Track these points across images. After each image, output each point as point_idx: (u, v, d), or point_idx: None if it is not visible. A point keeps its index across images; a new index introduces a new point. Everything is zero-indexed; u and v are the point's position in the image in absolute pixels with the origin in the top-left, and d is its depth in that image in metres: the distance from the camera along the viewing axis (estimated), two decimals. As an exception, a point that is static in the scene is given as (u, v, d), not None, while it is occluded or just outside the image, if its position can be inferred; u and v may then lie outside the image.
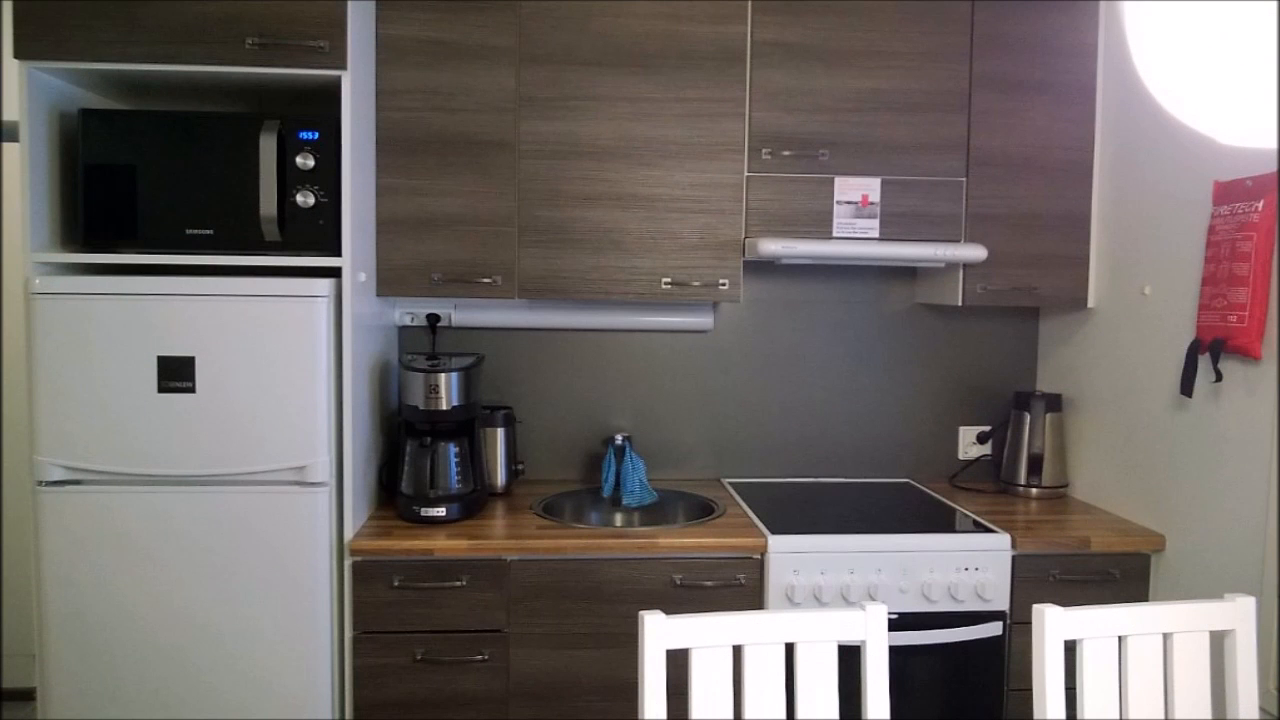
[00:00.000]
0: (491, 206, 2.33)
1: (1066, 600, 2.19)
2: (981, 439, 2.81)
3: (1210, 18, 0.87)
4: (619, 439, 2.58)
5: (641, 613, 1.30)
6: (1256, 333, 1.90)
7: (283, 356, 2.01)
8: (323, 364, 2.03)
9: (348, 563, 2.09)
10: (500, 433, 2.53)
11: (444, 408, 2.29)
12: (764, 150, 2.37)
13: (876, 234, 2.40)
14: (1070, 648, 1.39)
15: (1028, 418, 2.60)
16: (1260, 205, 1.90)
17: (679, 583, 2.14)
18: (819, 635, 1.36)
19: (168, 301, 2.00)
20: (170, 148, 2.05)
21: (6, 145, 3.08)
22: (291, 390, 2.02)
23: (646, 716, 1.28)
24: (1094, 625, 1.39)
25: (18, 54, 1.97)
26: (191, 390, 2.01)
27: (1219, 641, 1.47)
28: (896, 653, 2.15)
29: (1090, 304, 2.49)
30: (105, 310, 1.99)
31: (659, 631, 1.30)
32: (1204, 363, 2.06)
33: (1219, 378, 2.01)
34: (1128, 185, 2.34)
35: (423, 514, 2.22)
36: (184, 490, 2.02)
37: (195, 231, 2.07)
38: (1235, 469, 1.98)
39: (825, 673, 1.36)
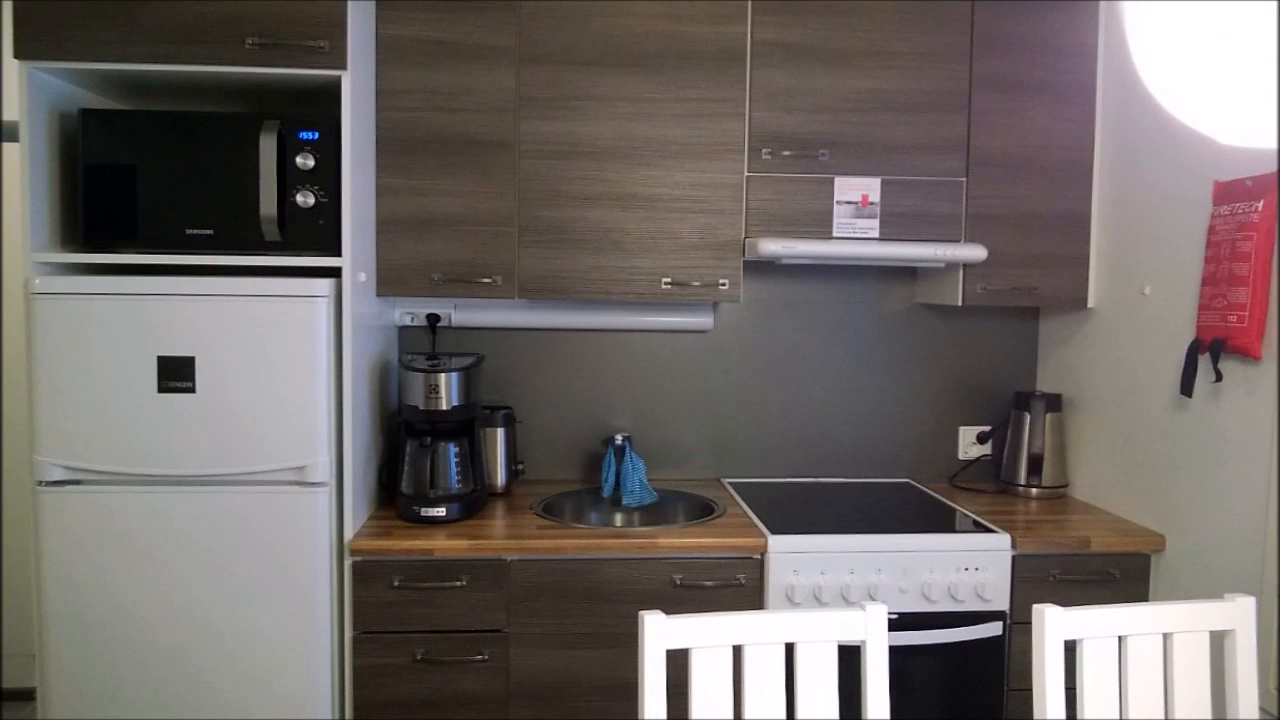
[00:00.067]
0: (491, 206, 2.33)
1: (1066, 600, 2.19)
2: (981, 439, 2.81)
3: (1210, 18, 0.87)
4: (619, 439, 2.58)
5: (641, 613, 1.30)
6: (1256, 333, 1.90)
7: (283, 356, 2.01)
8: (323, 364, 2.03)
9: (348, 563, 2.09)
10: (500, 433, 2.53)
11: (444, 408, 2.29)
12: (764, 150, 2.37)
13: (876, 234, 2.40)
14: (1070, 648, 1.39)
15: (1028, 418, 2.60)
16: (1260, 205, 1.90)
17: (679, 583, 2.14)
18: (819, 635, 1.36)
19: (168, 301, 2.00)
20: (170, 148, 2.05)
21: (6, 145, 3.08)
22: (291, 390, 2.02)
23: (646, 716, 1.28)
24: (1094, 625, 1.39)
25: (18, 54, 1.97)
26: (191, 390, 2.01)
27: (1219, 641, 1.47)
28: (896, 653, 2.15)
29: (1090, 304, 2.49)
30: (105, 310, 1.99)
31: (659, 631, 1.30)
32: (1204, 363, 2.06)
33: (1219, 378, 2.01)
34: (1128, 185, 2.34)
35: (423, 514, 2.22)
36: (184, 490, 2.02)
37: (195, 231, 2.07)
38: (1235, 469, 1.98)
39: (825, 673, 1.36)
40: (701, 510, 2.40)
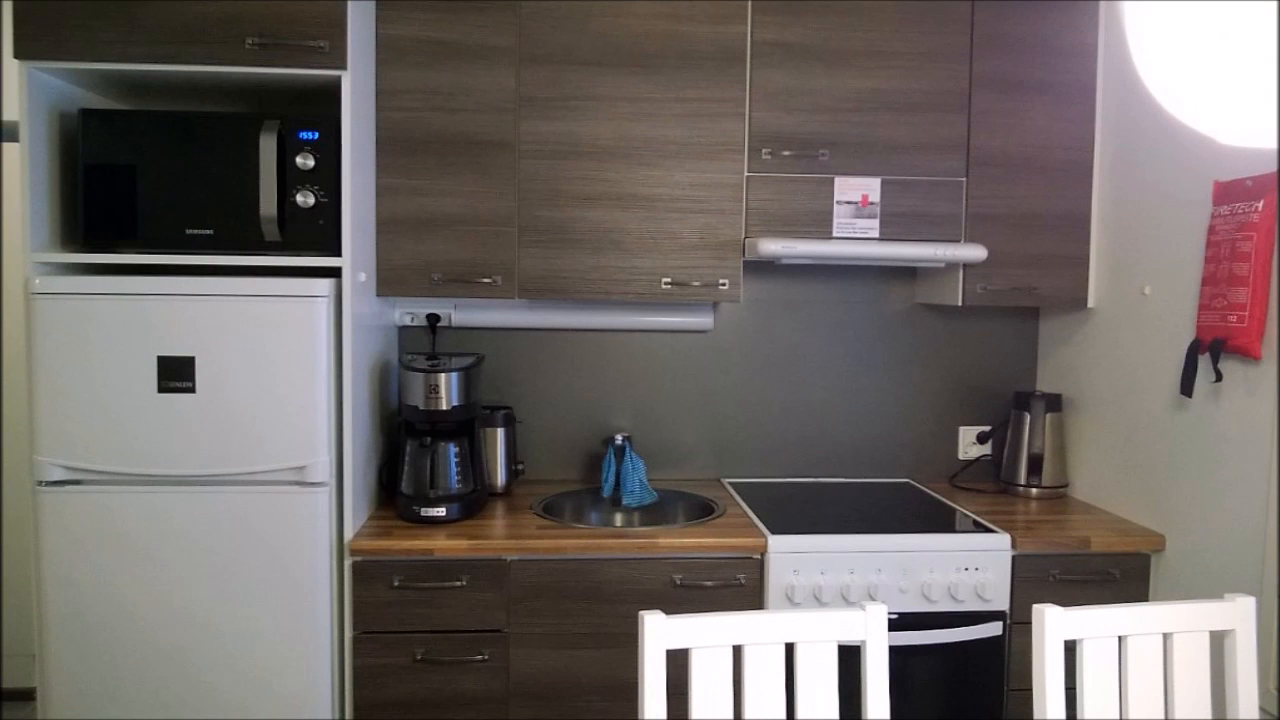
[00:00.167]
0: (491, 206, 2.33)
1: (1066, 600, 2.19)
2: (981, 439, 2.81)
3: (1210, 18, 0.87)
4: (619, 439, 2.59)
5: (641, 613, 1.30)
6: (1256, 333, 1.90)
7: (283, 356, 2.01)
8: (323, 364, 2.03)
9: (348, 563, 2.09)
10: (500, 433, 2.53)
11: (444, 408, 2.28)
12: (764, 150, 2.37)
13: (876, 234, 2.40)
14: (1070, 648, 1.39)
15: (1028, 418, 2.60)
16: (1260, 205, 1.90)
17: (679, 583, 2.14)
18: (819, 635, 1.36)
19: (168, 301, 2.00)
20: (170, 148, 2.05)
21: (6, 145, 3.08)
22: (291, 390, 2.02)
23: (646, 716, 1.28)
24: (1094, 625, 1.39)
25: (18, 54, 1.97)
26: (191, 390, 2.01)
27: (1219, 641, 1.47)
28: (896, 653, 2.15)
29: (1090, 304, 2.49)
30: (105, 310, 1.99)
31: (659, 631, 1.30)
32: (1204, 363, 2.06)
33: (1219, 378, 2.01)
34: (1128, 185, 2.34)
35: (423, 514, 2.22)
36: (184, 490, 2.02)
37: (195, 231, 2.07)
38: (1235, 469, 1.98)
39: (825, 673, 1.36)
40: (701, 510, 2.40)
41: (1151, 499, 2.25)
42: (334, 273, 2.14)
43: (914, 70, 2.39)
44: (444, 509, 2.23)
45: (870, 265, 2.75)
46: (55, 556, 2.01)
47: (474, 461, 2.35)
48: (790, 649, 1.36)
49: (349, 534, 2.10)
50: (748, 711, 1.33)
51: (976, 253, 2.34)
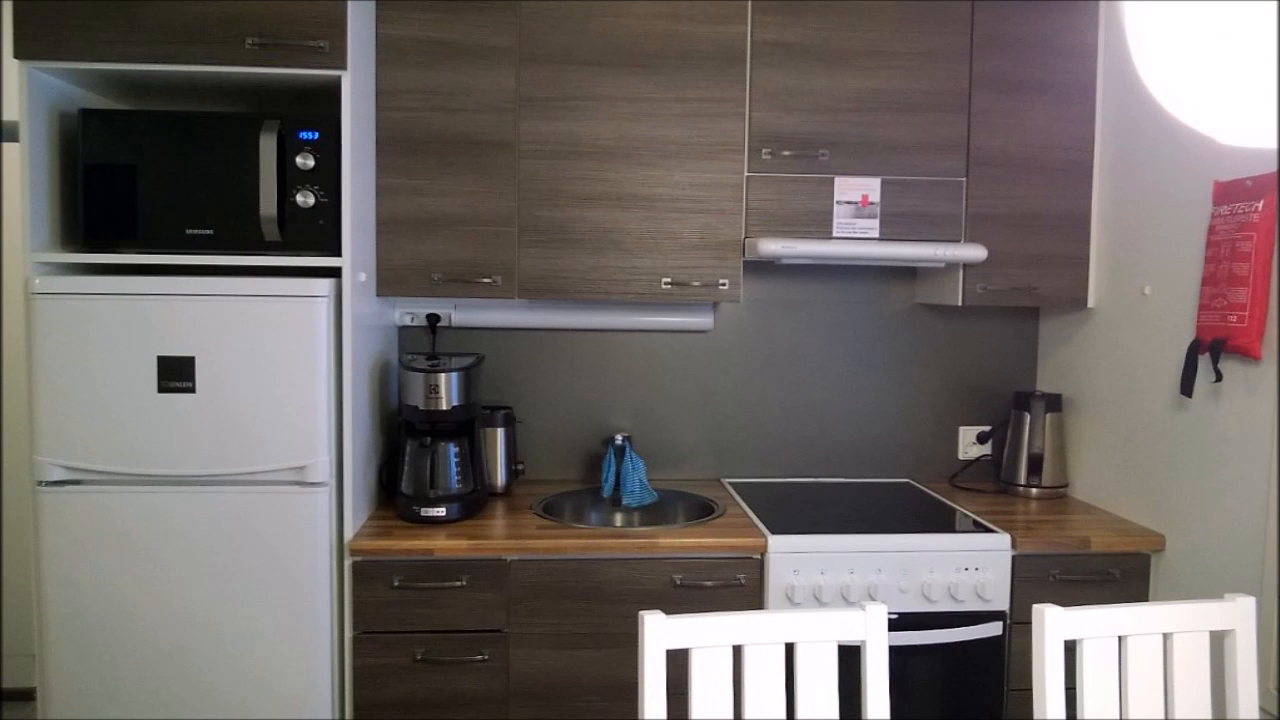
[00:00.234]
0: (491, 206, 2.33)
1: (1066, 600, 2.19)
2: (981, 439, 2.81)
3: (1210, 18, 0.87)
4: (619, 439, 2.59)
5: (641, 613, 1.30)
6: (1256, 333, 1.90)
7: (283, 356, 2.01)
8: (323, 364, 2.03)
9: (348, 563, 2.09)
10: (500, 433, 2.53)
11: (444, 408, 2.28)
12: (764, 150, 2.37)
13: (876, 234, 2.40)
14: (1070, 648, 1.39)
15: (1028, 418, 2.60)
16: (1260, 205, 1.90)
17: (679, 583, 2.14)
18: (819, 635, 1.36)
19: (168, 301, 2.00)
20: (170, 148, 2.05)
21: (6, 145, 3.08)
22: (291, 390, 2.02)
23: (646, 716, 1.28)
24: (1094, 625, 1.39)
25: (18, 54, 1.97)
26: (191, 390, 2.01)
27: (1219, 641, 1.47)
28: (896, 653, 2.15)
29: (1090, 304, 2.49)
30: (105, 310, 1.99)
31: (659, 631, 1.30)
32: (1204, 363, 2.06)
33: (1219, 378, 2.01)
34: (1128, 185, 2.34)
35: (423, 514, 2.22)
36: (184, 490, 2.02)
37: (195, 231, 2.07)
38: (1235, 469, 1.98)
39: (825, 673, 1.36)
40: (701, 510, 2.40)
41: (1151, 499, 2.25)
42: (334, 273, 2.14)
43: (914, 70, 2.39)
44: (444, 509, 2.23)
45: (870, 265, 2.75)
46: (55, 556, 2.01)
47: (474, 461, 2.35)
48: (790, 649, 1.36)
49: (349, 534, 2.10)
50: (748, 711, 1.33)
51: (976, 253, 2.34)
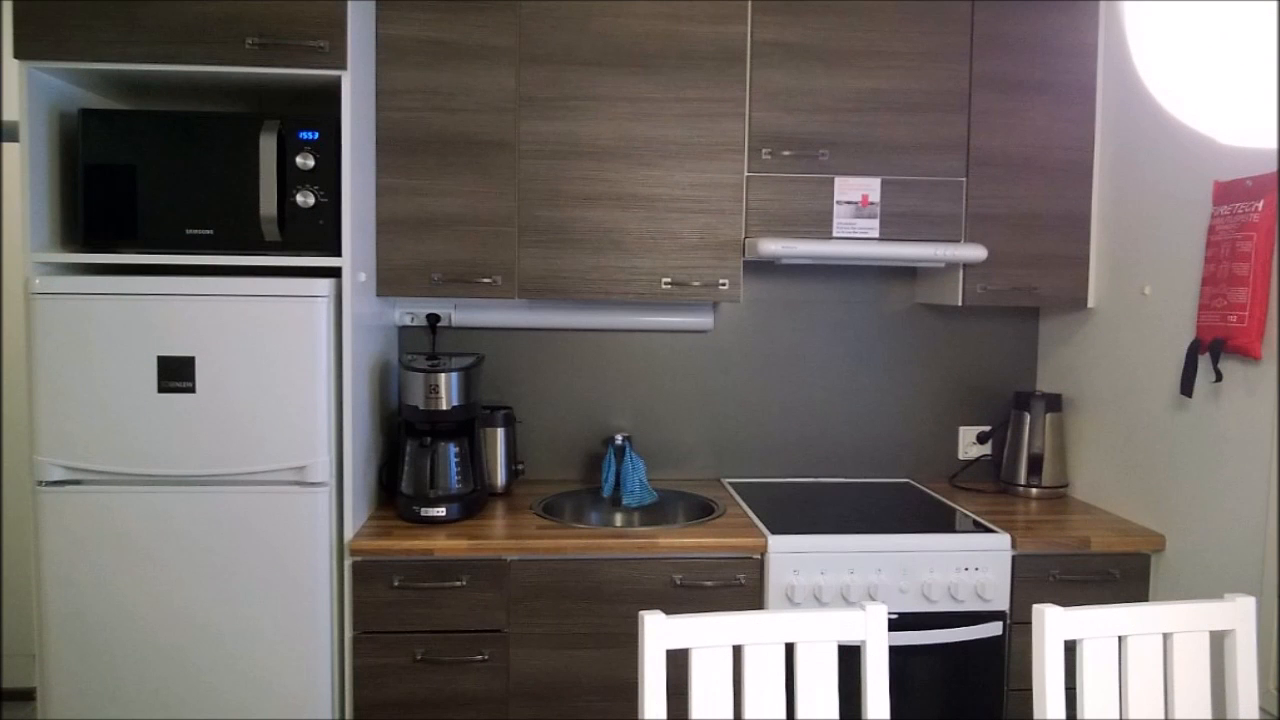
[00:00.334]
0: (491, 206, 2.33)
1: (1066, 600, 2.19)
2: (981, 439, 2.81)
3: (1210, 18, 0.87)
4: (619, 439, 2.58)
5: (641, 613, 1.30)
6: (1256, 333, 1.90)
7: (283, 356, 2.01)
8: (323, 364, 2.03)
9: (348, 563, 2.09)
10: (500, 433, 2.53)
11: (444, 408, 2.28)
12: (764, 150, 2.37)
13: (876, 234, 2.40)
14: (1070, 648, 1.39)
15: (1028, 418, 2.60)
16: (1260, 205, 1.90)
17: (679, 583, 2.14)
18: (819, 635, 1.36)
19: (168, 301, 2.00)
20: (170, 148, 2.05)
21: (6, 145, 3.08)
22: (291, 390, 2.02)
23: (646, 716, 1.28)
24: (1094, 625, 1.39)
25: (18, 54, 1.97)
26: (191, 390, 2.01)
27: (1219, 641, 1.47)
28: (896, 653, 2.15)
29: (1090, 304, 2.49)
30: (105, 310, 1.99)
31: (659, 631, 1.30)
32: (1204, 363, 2.06)
33: (1219, 378, 2.01)
34: (1128, 185, 2.34)
35: (423, 514, 2.22)
36: (184, 490, 2.02)
37: (195, 231, 2.07)
38: (1235, 469, 1.98)
39: (825, 673, 1.36)
40: (701, 510, 2.40)
41: (1151, 499, 2.25)
42: (334, 273, 2.14)
43: (914, 70, 2.39)
44: (444, 509, 2.23)
45: (870, 265, 2.75)
46: (55, 556, 2.01)
47: (474, 461, 2.35)
48: (790, 649, 1.36)
49: (349, 534, 2.10)
50: (748, 711, 1.33)
51: (976, 253, 2.34)
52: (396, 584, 2.09)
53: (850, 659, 1.43)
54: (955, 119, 2.41)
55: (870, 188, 2.40)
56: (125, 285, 1.99)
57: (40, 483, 2.00)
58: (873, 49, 2.38)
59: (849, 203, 2.39)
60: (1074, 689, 1.39)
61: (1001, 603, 2.19)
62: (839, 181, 2.39)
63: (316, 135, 2.07)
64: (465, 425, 2.35)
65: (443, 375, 2.28)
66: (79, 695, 2.03)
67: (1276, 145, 0.90)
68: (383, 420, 2.43)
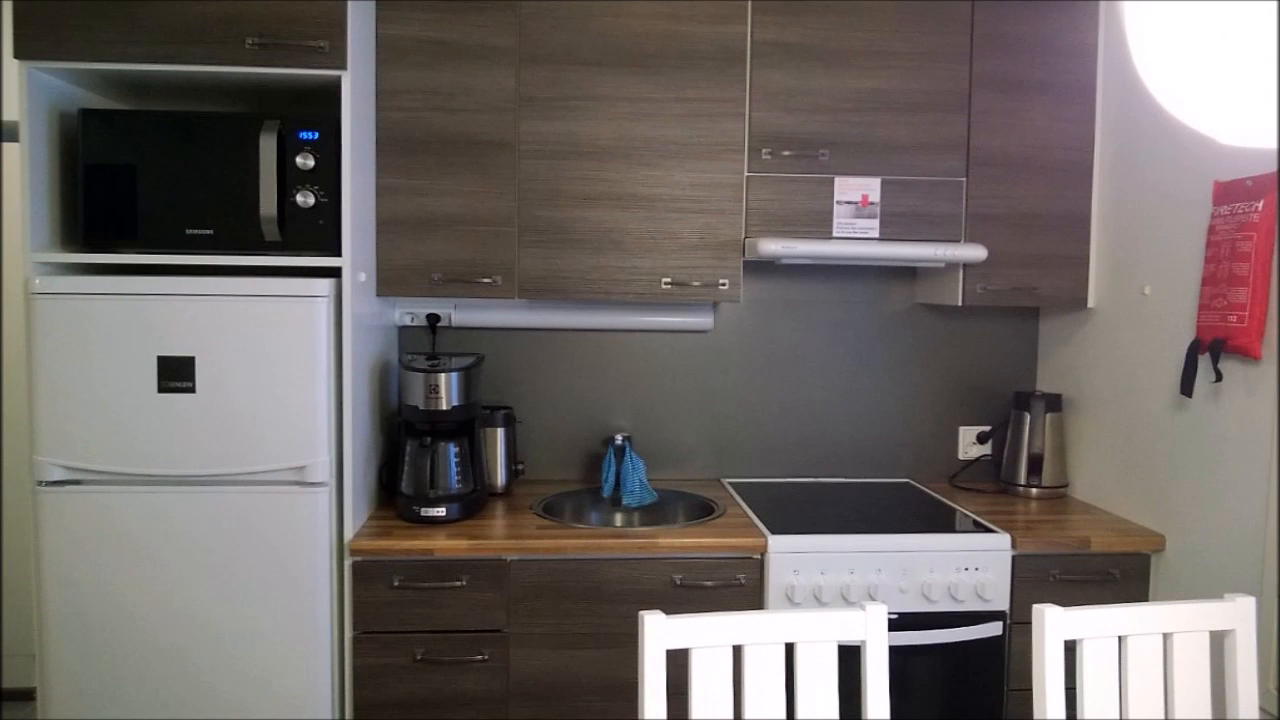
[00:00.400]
0: (491, 206, 2.33)
1: (1066, 600, 2.19)
2: (981, 439, 2.81)
3: (1210, 18, 0.87)
4: (619, 439, 2.58)
5: (641, 613, 1.30)
6: (1256, 333, 1.90)
7: (283, 356, 2.01)
8: (323, 364, 2.03)
9: (348, 563, 2.09)
10: (500, 433, 2.53)
11: (444, 408, 2.28)
12: (764, 150, 2.37)
13: (876, 234, 2.40)
14: (1070, 648, 1.39)
15: (1028, 418, 2.60)
16: (1260, 205, 1.90)
17: (679, 583, 2.14)
18: (819, 635, 1.36)
19: (168, 301, 2.00)
20: (170, 148, 2.05)
21: (6, 145, 3.08)
22: (291, 390, 2.02)
23: (646, 716, 1.28)
24: (1094, 625, 1.39)
25: (18, 54, 1.97)
26: (191, 390, 2.01)
27: (1219, 641, 1.47)
28: (896, 653, 2.15)
29: (1090, 304, 2.49)
30: (105, 310, 1.99)
31: (659, 631, 1.30)
32: (1204, 363, 2.06)
33: (1219, 378, 2.01)
34: (1128, 185, 2.34)
35: (423, 514, 2.22)
36: (184, 490, 2.02)
37: (195, 231, 2.07)
38: (1235, 469, 1.98)
39: (825, 673, 1.36)
40: (701, 510, 2.40)
41: (1151, 499, 2.25)
42: (334, 273, 2.14)
43: (914, 70, 2.39)
44: (444, 509, 2.23)
45: (870, 265, 2.75)
46: (55, 556, 2.01)
47: (474, 461, 2.35)
48: (790, 649, 1.36)
49: (349, 534, 2.10)
50: (748, 711, 1.33)
51: (976, 253, 2.34)
52: (396, 584, 2.09)
53: (850, 659, 1.43)
54: (955, 119, 2.41)
55: (870, 188, 2.40)
56: (125, 285, 1.99)
57: (40, 483, 2.00)
58: (873, 49, 2.38)
59: (849, 203, 2.39)
60: (1074, 689, 1.39)
61: (1001, 603, 2.19)
62: (839, 181, 2.39)
63: (316, 135, 2.07)
64: (465, 425, 2.35)
65: (443, 375, 2.28)
66: (79, 695, 2.03)
67: (1276, 145, 0.90)
68: (383, 420, 2.43)
